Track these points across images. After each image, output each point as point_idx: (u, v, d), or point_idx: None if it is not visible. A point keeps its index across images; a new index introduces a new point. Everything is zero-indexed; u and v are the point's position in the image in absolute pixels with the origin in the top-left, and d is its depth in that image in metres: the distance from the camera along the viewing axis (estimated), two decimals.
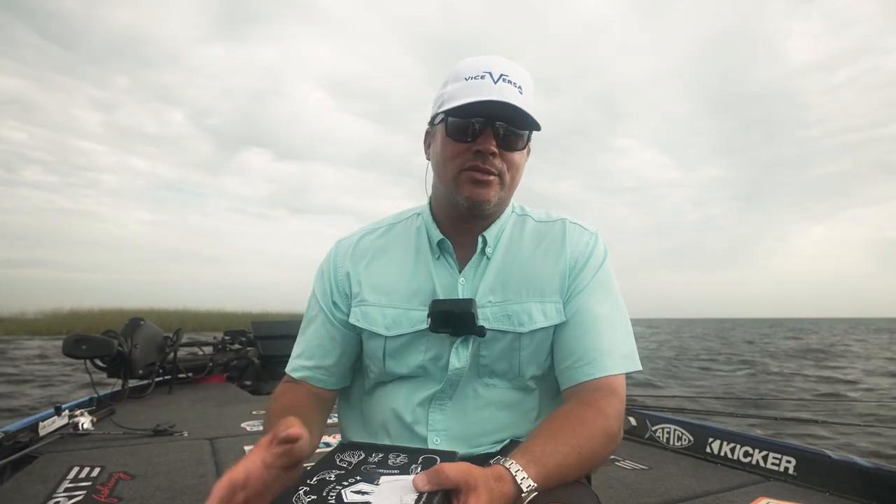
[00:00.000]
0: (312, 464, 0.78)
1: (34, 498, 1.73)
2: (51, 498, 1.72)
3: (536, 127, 0.93)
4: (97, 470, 2.03)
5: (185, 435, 2.59)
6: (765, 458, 1.99)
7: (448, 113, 0.92)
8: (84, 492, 1.79)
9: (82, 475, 1.97)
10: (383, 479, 0.74)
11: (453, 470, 0.68)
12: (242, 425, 2.83)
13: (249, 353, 4.43)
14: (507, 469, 0.73)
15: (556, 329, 0.97)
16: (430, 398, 0.97)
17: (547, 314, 0.96)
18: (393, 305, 0.99)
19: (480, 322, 0.94)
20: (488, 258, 0.99)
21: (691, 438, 2.20)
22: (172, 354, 3.93)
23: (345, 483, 0.73)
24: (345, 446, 0.85)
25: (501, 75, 0.91)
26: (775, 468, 1.97)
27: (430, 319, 0.95)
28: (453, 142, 0.93)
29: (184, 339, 4.18)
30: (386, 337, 0.98)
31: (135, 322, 3.61)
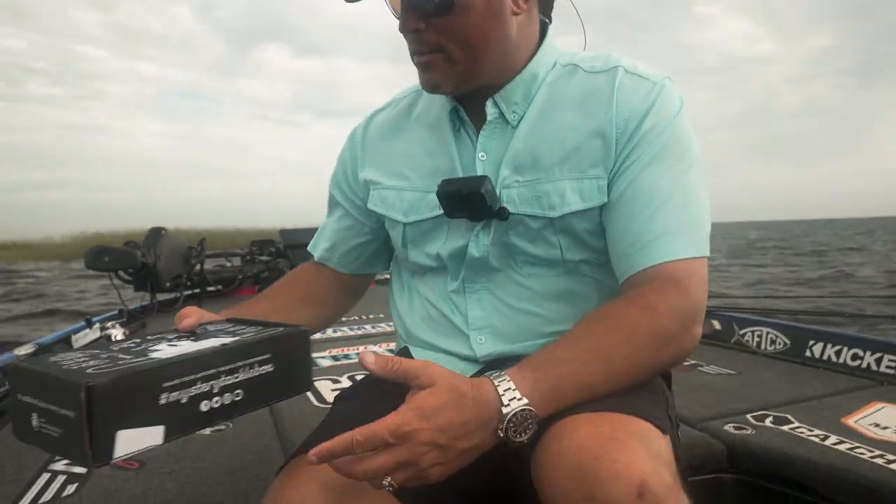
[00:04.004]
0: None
1: None
2: None
3: None
4: None
5: None
6: (878, 361, 1.76)
7: None
8: None
9: None
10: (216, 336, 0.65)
11: (413, 361, 0.63)
12: None
13: (280, 264, 4.26)
14: (491, 380, 0.63)
15: (604, 210, 0.80)
16: (461, 291, 0.88)
17: (584, 194, 0.80)
18: (411, 188, 0.90)
19: (505, 203, 0.81)
20: (513, 127, 0.83)
21: (787, 342, 1.97)
22: (199, 266, 3.78)
23: (171, 338, 0.66)
24: (231, 320, 0.80)
25: None
26: (891, 371, 1.73)
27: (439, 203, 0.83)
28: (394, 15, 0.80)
29: (208, 251, 4.04)
30: (404, 224, 0.90)
31: (156, 232, 3.45)
